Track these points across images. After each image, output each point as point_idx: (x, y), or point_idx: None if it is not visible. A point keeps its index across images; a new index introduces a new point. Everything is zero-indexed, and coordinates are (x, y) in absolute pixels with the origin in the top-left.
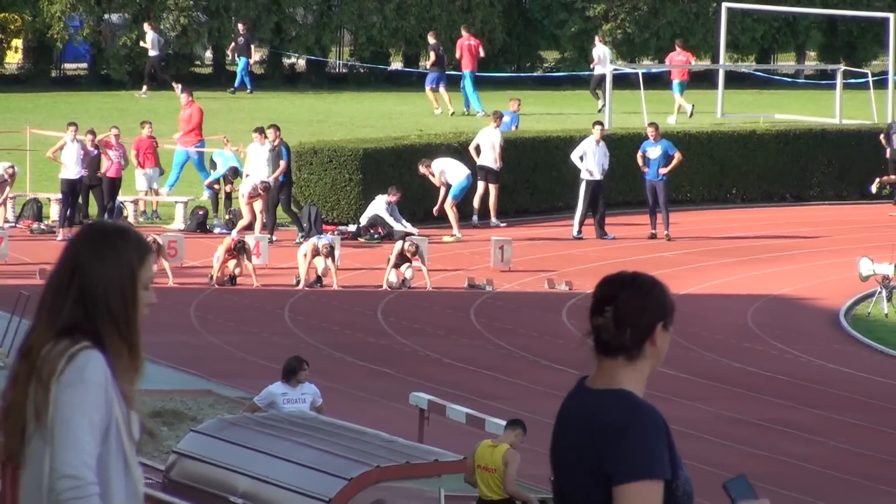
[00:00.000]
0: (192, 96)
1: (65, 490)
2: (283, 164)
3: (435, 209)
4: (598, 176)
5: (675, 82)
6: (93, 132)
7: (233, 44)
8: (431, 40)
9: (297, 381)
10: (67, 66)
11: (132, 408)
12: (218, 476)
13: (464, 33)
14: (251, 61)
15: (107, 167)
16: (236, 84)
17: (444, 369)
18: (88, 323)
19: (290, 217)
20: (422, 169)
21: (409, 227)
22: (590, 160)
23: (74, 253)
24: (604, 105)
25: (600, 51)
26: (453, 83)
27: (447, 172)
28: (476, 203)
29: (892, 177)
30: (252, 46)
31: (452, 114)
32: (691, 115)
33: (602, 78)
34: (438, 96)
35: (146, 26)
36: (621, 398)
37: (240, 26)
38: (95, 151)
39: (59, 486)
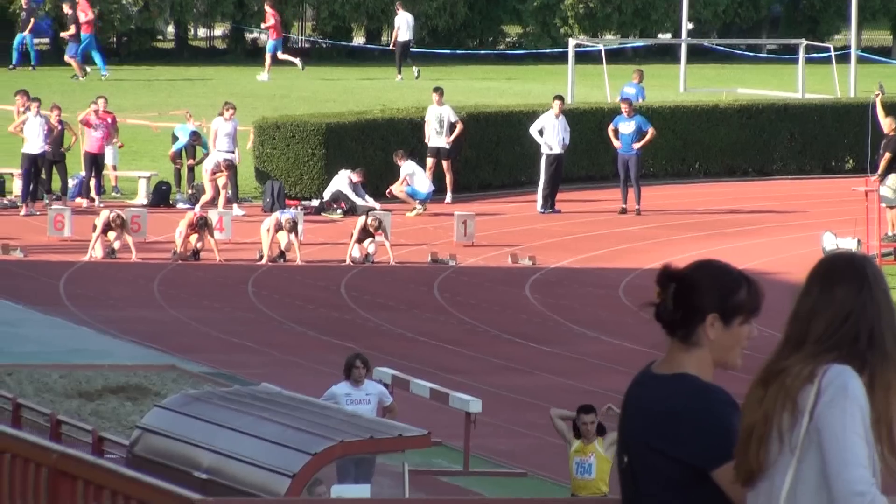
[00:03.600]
0: None
1: None
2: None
3: (388, 191)
4: (557, 150)
5: (270, 42)
6: (58, 107)
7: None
8: (68, 10)
9: (355, 379)
10: None
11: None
12: (182, 451)
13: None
14: (25, 34)
15: (90, 143)
16: (33, 60)
17: (408, 344)
18: (857, 351)
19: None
20: (396, 157)
21: (371, 202)
22: (549, 134)
23: (847, 289)
24: (414, 70)
25: (402, 18)
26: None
27: (414, 178)
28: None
29: None
30: (32, 20)
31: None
32: (303, 68)
33: (406, 45)
34: (76, 63)
35: None
36: (685, 383)
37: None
38: (60, 126)
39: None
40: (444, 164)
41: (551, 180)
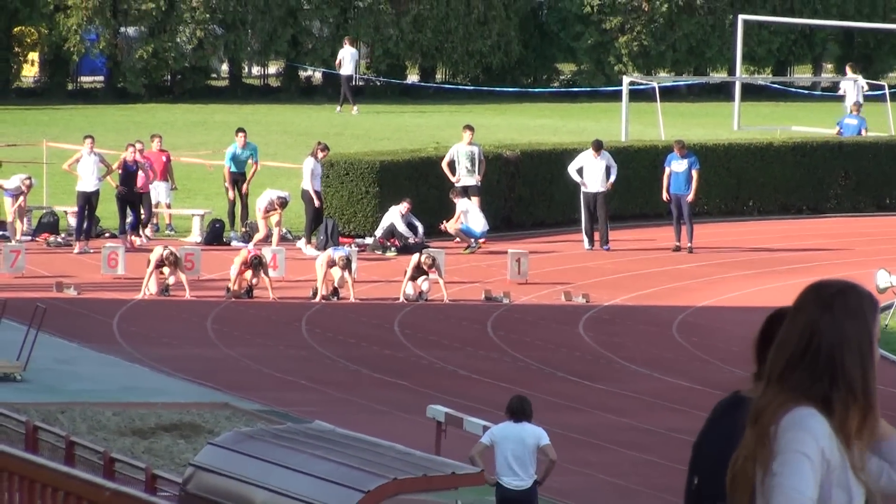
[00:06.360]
0: None
1: None
2: None
3: (442, 225)
4: (595, 188)
5: None
6: (132, 145)
7: None
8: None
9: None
10: (84, 79)
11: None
12: (235, 489)
13: None
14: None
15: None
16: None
17: (461, 382)
18: (819, 387)
19: None
20: (452, 195)
21: (420, 229)
22: (587, 173)
23: (809, 316)
24: (353, 109)
25: (346, 52)
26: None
27: (469, 215)
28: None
29: None
30: None
31: None
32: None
33: (348, 79)
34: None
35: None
36: None
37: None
38: (134, 166)
39: None
40: (475, 201)
41: (591, 218)
